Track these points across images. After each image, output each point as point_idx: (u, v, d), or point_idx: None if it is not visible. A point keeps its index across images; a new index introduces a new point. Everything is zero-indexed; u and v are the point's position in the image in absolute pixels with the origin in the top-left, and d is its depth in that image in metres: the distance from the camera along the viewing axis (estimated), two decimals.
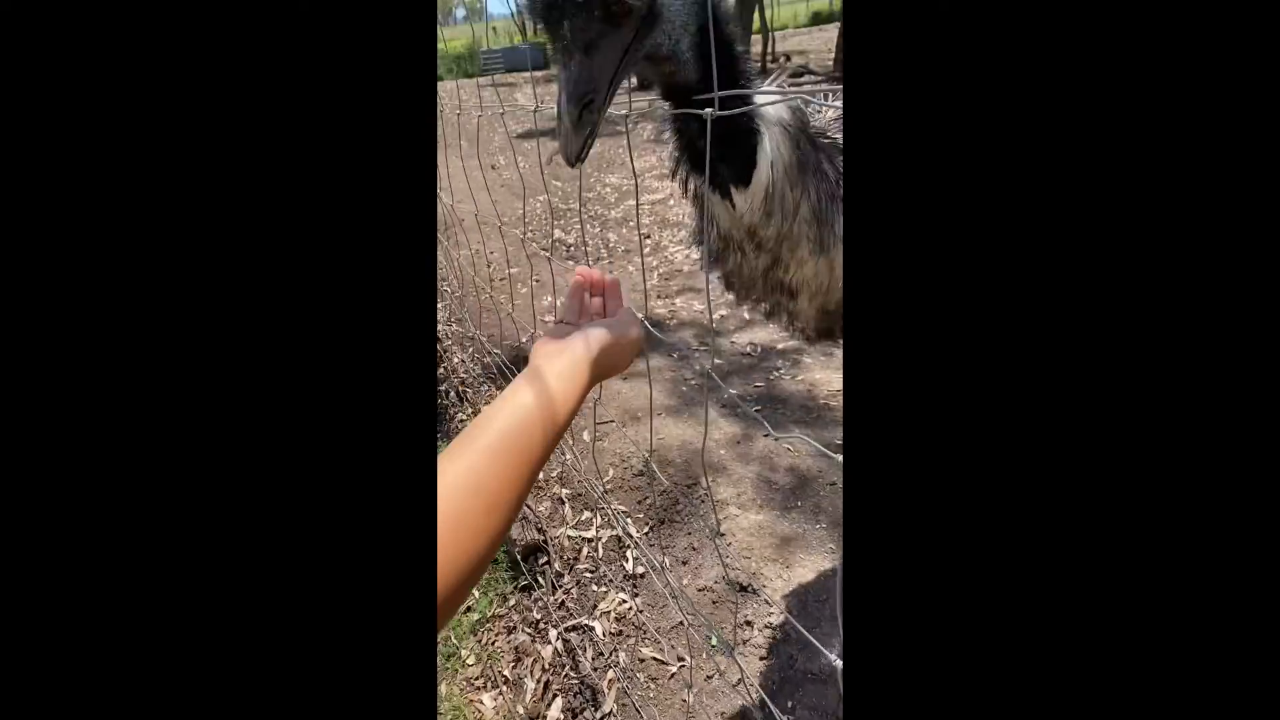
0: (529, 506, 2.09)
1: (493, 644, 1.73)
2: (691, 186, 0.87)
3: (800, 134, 0.80)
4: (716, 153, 0.71)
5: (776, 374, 2.70)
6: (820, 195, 0.83)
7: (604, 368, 0.62)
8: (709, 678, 1.51)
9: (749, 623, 1.63)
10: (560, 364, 0.57)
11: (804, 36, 22.17)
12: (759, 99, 0.75)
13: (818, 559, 1.79)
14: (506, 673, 1.67)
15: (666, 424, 2.44)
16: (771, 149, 0.78)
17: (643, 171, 6.19)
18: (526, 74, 19.03)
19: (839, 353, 2.79)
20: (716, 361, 2.82)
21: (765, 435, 2.29)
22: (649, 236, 4.47)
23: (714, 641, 1.59)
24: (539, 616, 1.79)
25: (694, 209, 0.94)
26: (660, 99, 0.81)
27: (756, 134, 0.78)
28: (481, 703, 1.61)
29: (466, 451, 0.48)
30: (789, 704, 1.43)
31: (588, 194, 5.59)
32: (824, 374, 2.66)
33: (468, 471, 0.46)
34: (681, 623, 1.66)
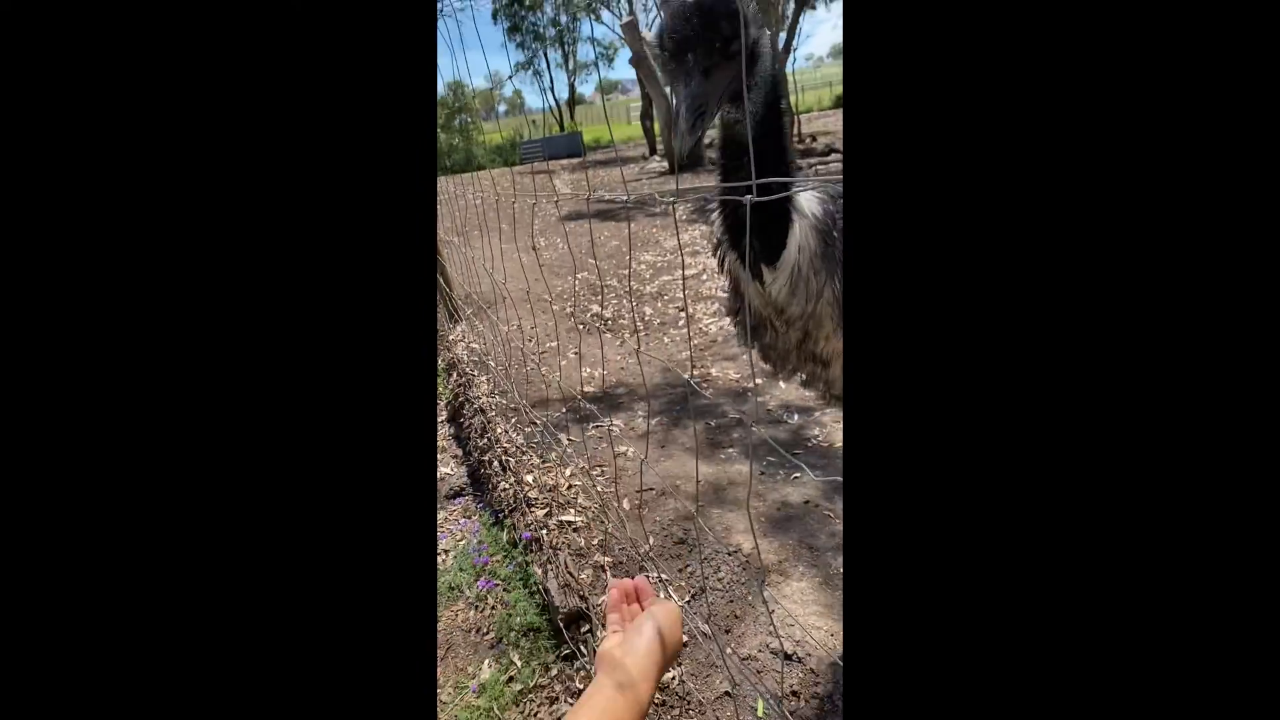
0: (571, 574, 2.11)
1: (535, 715, 1.72)
2: (728, 262, 0.97)
3: (829, 226, 0.90)
4: (752, 233, 0.81)
5: (812, 437, 2.71)
6: (833, 261, 0.91)
7: (670, 639, 0.69)
8: None
9: (795, 693, 1.59)
10: (634, 646, 0.65)
11: (829, 118, 23.11)
12: (797, 191, 0.86)
13: None
14: None
15: (706, 493, 2.46)
16: (800, 235, 0.88)
17: (674, 249, 6.43)
18: (565, 161, 20.16)
19: None
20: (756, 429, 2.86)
21: (804, 487, 2.29)
22: (683, 310, 4.60)
23: (760, 712, 1.56)
24: (582, 685, 1.78)
25: (729, 283, 1.04)
26: (715, 164, 0.93)
27: (789, 221, 0.88)
28: None
29: None
30: None
31: (623, 271, 5.81)
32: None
33: None
34: (727, 692, 1.63)
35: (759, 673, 1.67)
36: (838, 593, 1.87)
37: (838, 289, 0.91)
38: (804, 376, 1.08)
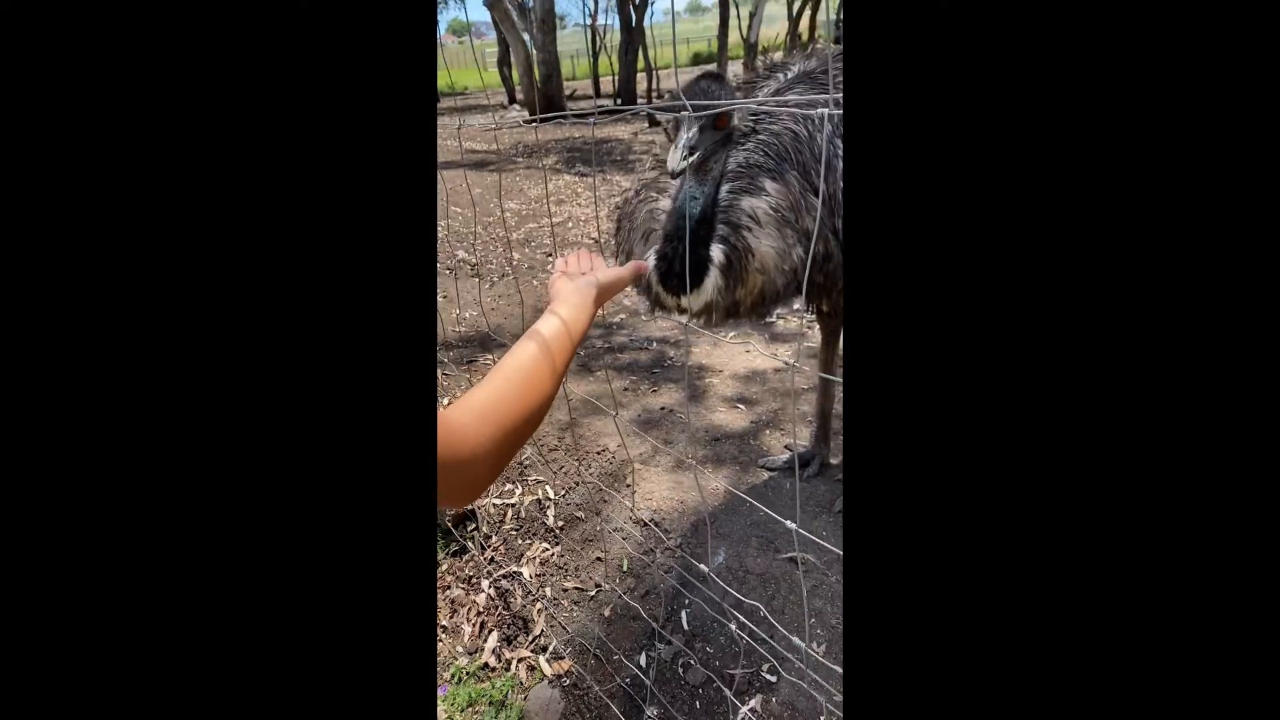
0: None
1: None
2: (658, 292, 1.36)
3: (729, 267, 1.34)
4: (682, 273, 1.26)
5: (670, 359, 3.08)
6: (732, 268, 1.37)
7: (606, 293, 0.93)
8: (621, 595, 1.81)
9: (650, 550, 1.95)
10: (573, 294, 0.86)
11: (686, 75, 23.60)
12: (713, 254, 1.32)
13: (707, 498, 2.15)
14: (445, 623, 1.89)
15: (579, 407, 2.74)
16: (713, 279, 1.33)
17: (540, 198, 6.53)
18: None
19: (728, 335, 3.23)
20: (622, 357, 3.16)
21: (651, 389, 2.65)
22: (550, 256, 4.79)
23: (624, 567, 1.90)
24: (471, 573, 2.02)
25: (649, 298, 1.43)
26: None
27: (706, 271, 1.31)
28: None
29: (521, 349, 0.72)
30: (686, 601, 1.75)
31: (488, 218, 5.84)
32: (709, 357, 3.06)
33: (522, 358, 0.71)
34: (598, 558, 1.95)
35: (624, 539, 2.00)
36: (687, 474, 2.25)
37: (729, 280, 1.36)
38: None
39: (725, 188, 1.34)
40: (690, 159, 1.17)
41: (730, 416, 2.59)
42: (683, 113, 1.14)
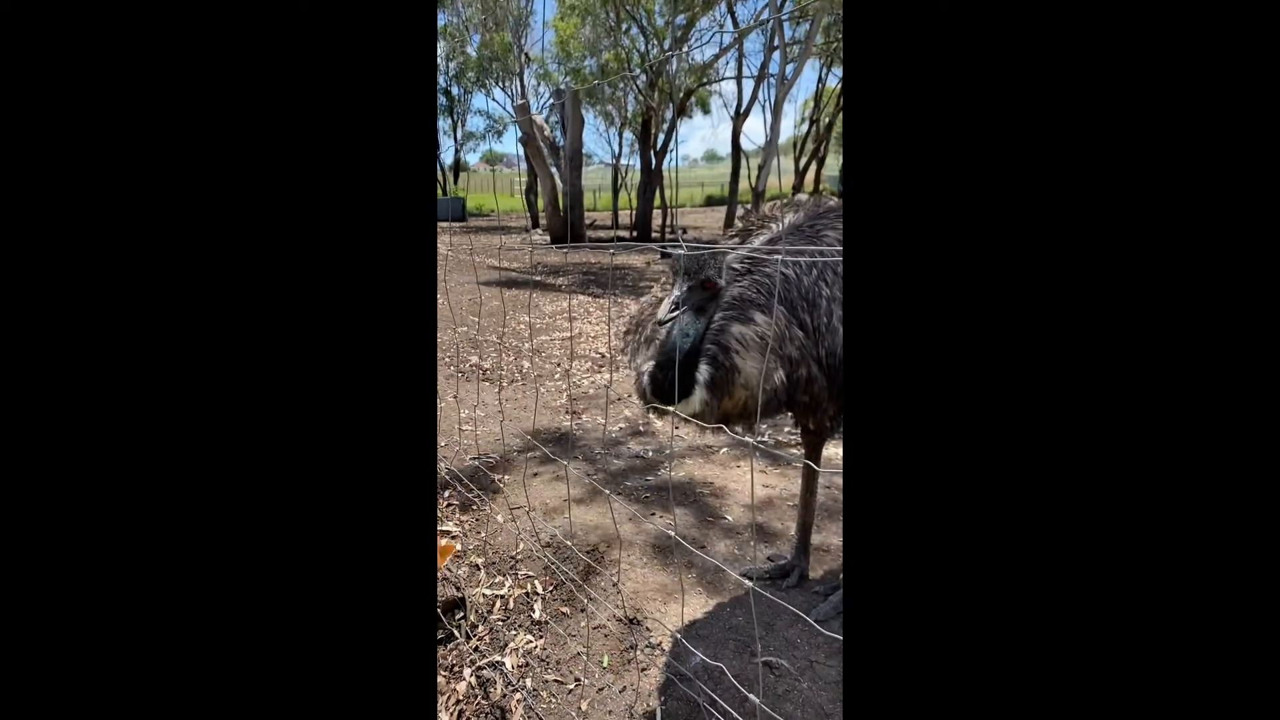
0: (449, 569, 2.40)
1: None
2: (648, 398, 1.62)
3: (717, 379, 1.60)
4: (675, 381, 1.53)
5: (662, 470, 3.23)
6: (722, 390, 1.63)
7: None
8: (599, 690, 1.86)
9: (633, 646, 2.01)
10: None
11: (699, 214, 25.53)
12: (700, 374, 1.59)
13: (690, 600, 2.22)
14: None
15: (577, 511, 2.86)
16: (701, 393, 1.58)
17: (555, 314, 6.95)
18: (445, 224, 20.37)
19: (718, 451, 3.38)
20: (616, 462, 3.32)
21: (653, 515, 2.77)
22: (559, 365, 5.07)
23: (605, 663, 1.95)
24: (453, 661, 2.07)
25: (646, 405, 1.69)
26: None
27: (693, 386, 1.57)
28: None
29: None
30: (663, 700, 1.80)
31: (503, 329, 6.21)
32: (701, 470, 3.21)
33: None
34: (579, 653, 2.00)
35: (606, 636, 2.06)
36: (672, 574, 2.33)
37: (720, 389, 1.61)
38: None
39: (719, 315, 1.61)
40: (676, 313, 1.46)
41: (717, 525, 2.70)
42: (680, 262, 1.44)
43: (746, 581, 2.36)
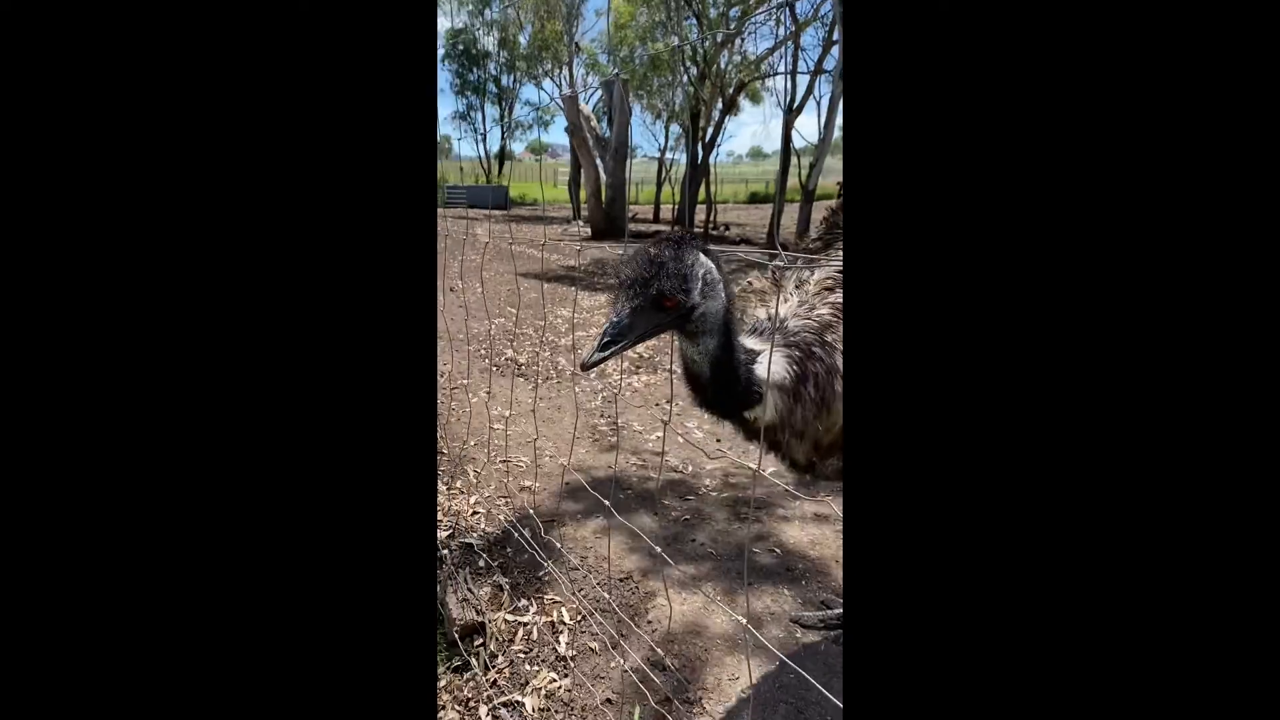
0: (470, 590, 2.21)
1: None
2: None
3: (794, 381, 1.20)
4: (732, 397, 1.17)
5: (702, 488, 2.99)
6: (808, 400, 1.22)
7: None
8: None
9: (668, 699, 1.78)
10: None
11: (742, 211, 25.05)
12: (758, 369, 1.15)
13: (735, 649, 1.99)
14: None
15: (609, 537, 2.65)
16: (772, 400, 1.18)
17: (593, 309, 6.75)
18: (486, 210, 20.43)
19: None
20: (651, 476, 3.09)
21: (692, 540, 2.54)
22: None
23: (636, 716, 1.73)
24: (470, 695, 1.87)
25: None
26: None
27: (760, 393, 1.17)
28: None
29: None
30: None
31: (540, 322, 6.03)
32: (738, 484, 2.97)
33: None
34: (609, 700, 1.79)
35: (642, 681, 1.84)
36: (714, 614, 2.10)
37: (805, 405, 1.23)
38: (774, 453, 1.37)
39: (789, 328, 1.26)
40: (608, 353, 1.03)
41: (769, 561, 2.46)
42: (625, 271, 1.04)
43: (797, 631, 2.13)
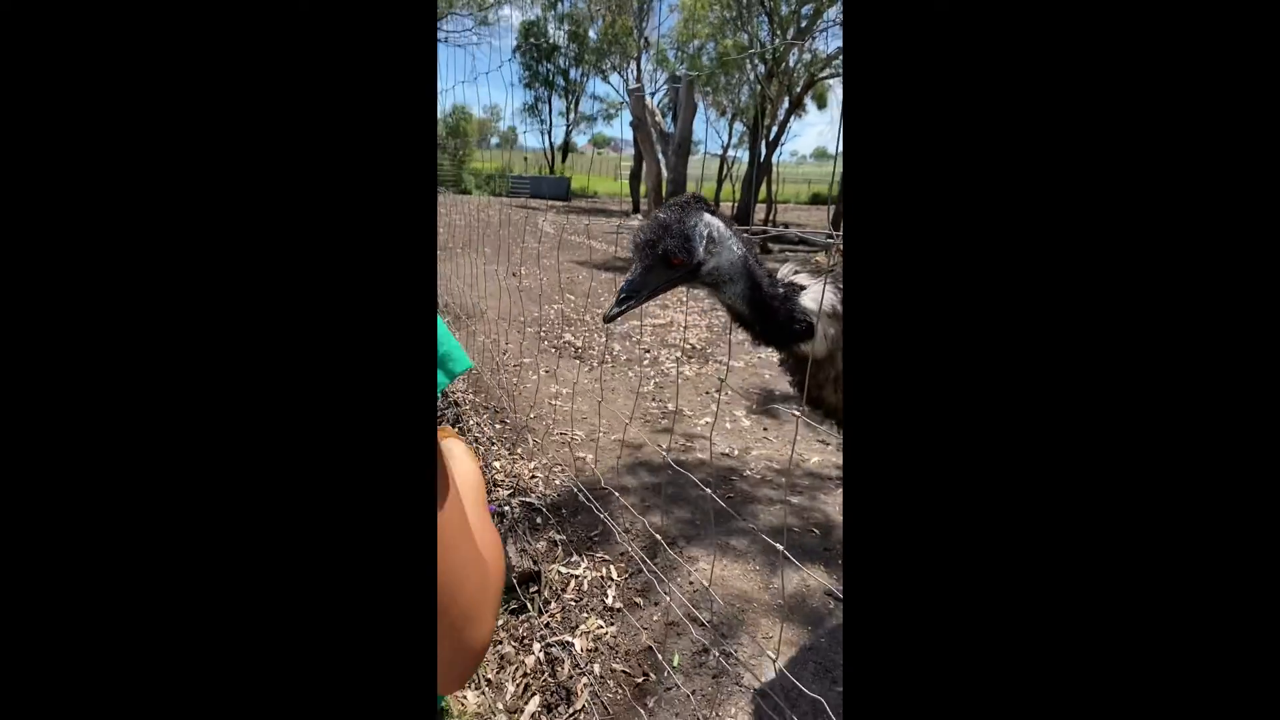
0: (528, 542, 2.42)
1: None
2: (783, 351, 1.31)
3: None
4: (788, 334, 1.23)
5: (750, 460, 3.12)
6: None
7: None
8: (667, 689, 1.80)
9: (706, 649, 1.93)
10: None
11: (803, 212, 24.77)
12: (805, 300, 1.21)
13: (770, 612, 2.12)
14: (490, 676, 1.93)
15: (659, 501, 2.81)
16: (822, 329, 1.23)
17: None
18: (548, 201, 20.87)
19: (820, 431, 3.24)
20: (700, 456, 3.24)
21: (736, 517, 2.68)
22: (649, 351, 5.03)
23: (675, 662, 1.89)
24: (524, 633, 2.07)
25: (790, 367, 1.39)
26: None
27: (809, 323, 1.22)
28: (465, 699, 1.86)
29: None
30: (732, 711, 1.72)
31: (597, 309, 6.24)
32: (778, 452, 3.08)
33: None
34: (650, 646, 1.95)
35: (680, 634, 2.00)
36: (757, 571, 2.24)
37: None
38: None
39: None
40: (624, 308, 1.11)
41: (810, 541, 2.57)
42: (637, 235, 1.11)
43: (830, 603, 2.24)
